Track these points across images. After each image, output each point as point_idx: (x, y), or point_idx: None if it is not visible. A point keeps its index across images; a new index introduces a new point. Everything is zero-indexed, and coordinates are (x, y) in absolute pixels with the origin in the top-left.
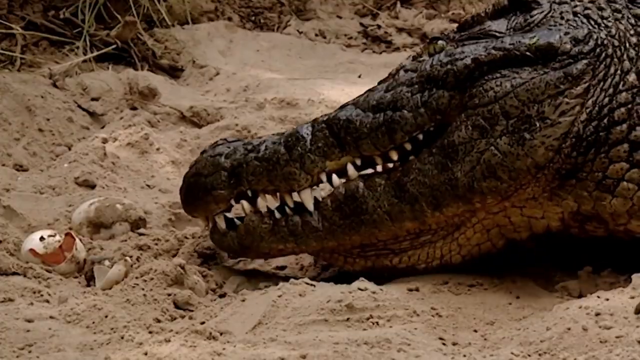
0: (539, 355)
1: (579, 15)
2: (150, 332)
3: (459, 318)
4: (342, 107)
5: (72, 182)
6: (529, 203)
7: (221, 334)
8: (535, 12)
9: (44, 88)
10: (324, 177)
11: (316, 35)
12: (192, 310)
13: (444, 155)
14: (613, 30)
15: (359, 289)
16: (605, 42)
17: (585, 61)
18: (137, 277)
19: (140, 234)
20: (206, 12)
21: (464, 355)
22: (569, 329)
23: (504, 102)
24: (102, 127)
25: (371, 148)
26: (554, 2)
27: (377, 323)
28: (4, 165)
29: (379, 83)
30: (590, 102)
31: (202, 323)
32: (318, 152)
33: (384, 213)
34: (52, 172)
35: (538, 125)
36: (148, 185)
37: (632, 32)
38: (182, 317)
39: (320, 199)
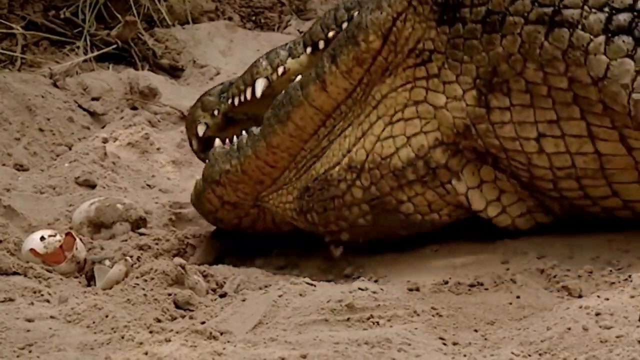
0: (540, 355)
1: None
2: (150, 332)
3: (459, 318)
4: None
5: (72, 182)
6: (428, 71)
7: (221, 333)
8: None
9: (45, 88)
10: (280, 70)
11: None
12: (192, 310)
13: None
14: None
15: (360, 288)
16: None
17: None
18: (137, 277)
19: (141, 234)
20: (206, 11)
21: (465, 355)
22: (569, 328)
23: None
24: (103, 127)
25: (319, 30)
26: None
27: (377, 323)
28: (4, 165)
29: None
30: None
31: (203, 323)
32: (284, 47)
33: (298, 84)
34: (52, 172)
35: None
36: (148, 185)
37: None
38: (183, 317)
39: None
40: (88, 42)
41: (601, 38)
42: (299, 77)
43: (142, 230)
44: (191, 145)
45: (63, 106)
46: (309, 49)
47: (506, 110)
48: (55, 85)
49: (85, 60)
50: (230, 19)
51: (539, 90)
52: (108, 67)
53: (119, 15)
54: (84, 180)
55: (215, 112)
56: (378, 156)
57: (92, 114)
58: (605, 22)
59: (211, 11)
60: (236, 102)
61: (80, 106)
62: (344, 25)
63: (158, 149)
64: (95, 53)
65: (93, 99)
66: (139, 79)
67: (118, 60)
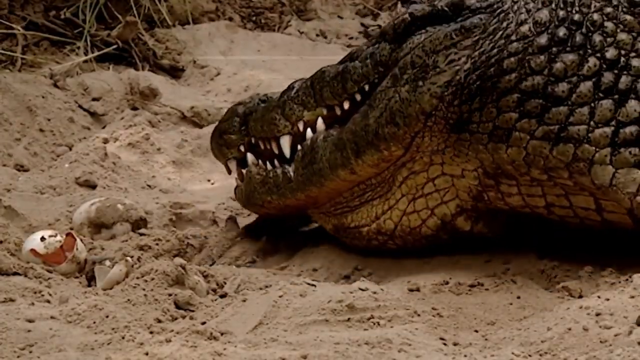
0: (540, 355)
1: None
2: (151, 333)
3: (459, 318)
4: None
5: (73, 182)
6: (442, 158)
7: (222, 334)
8: None
9: (45, 88)
10: (301, 125)
11: (317, 35)
12: (193, 311)
13: (369, 104)
14: None
15: (360, 289)
16: None
17: (480, 15)
18: (138, 277)
19: (141, 234)
20: (207, 12)
21: (465, 356)
22: (569, 329)
23: (413, 53)
24: (103, 127)
25: (330, 97)
26: None
27: (378, 323)
28: (4, 165)
29: None
30: (477, 53)
31: (203, 323)
32: (297, 100)
33: (326, 161)
34: (53, 172)
35: (430, 73)
36: (149, 186)
37: None
38: (183, 317)
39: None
40: (88, 43)
41: (607, 150)
42: (323, 142)
43: (143, 230)
44: (228, 171)
45: (63, 106)
46: (324, 110)
47: (514, 186)
48: (55, 85)
49: (85, 61)
50: (230, 19)
51: (544, 182)
52: (108, 68)
53: (119, 16)
54: (84, 180)
55: (241, 148)
56: (407, 227)
57: (93, 114)
58: (612, 135)
59: (212, 11)
60: (261, 146)
61: (80, 106)
62: (357, 96)
63: (158, 149)
64: (96, 53)
65: (93, 99)
66: (139, 80)
67: (118, 60)
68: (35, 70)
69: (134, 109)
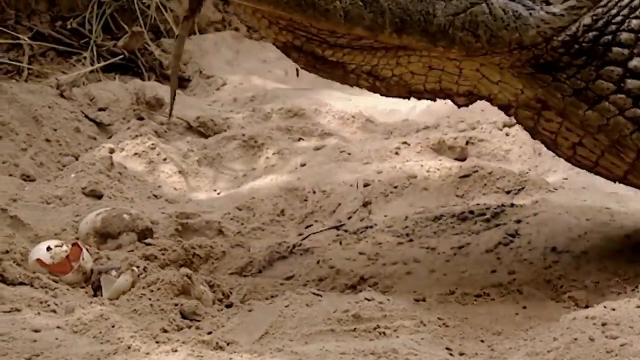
0: None
1: None
2: (157, 342)
3: (465, 328)
4: None
5: (79, 192)
6: (491, 67)
7: (228, 344)
8: None
9: (51, 98)
10: None
11: None
12: (199, 320)
13: None
14: None
15: (366, 299)
16: None
17: None
18: (144, 287)
19: (147, 244)
20: (213, 22)
21: None
22: (575, 339)
23: None
24: (109, 137)
25: None
26: None
27: (384, 333)
28: (11, 175)
29: None
30: (600, 10)
31: (209, 333)
32: None
33: (342, 9)
34: (59, 182)
35: (540, 7)
36: (155, 196)
37: None
38: (189, 327)
39: None
40: (95, 53)
41: None
42: None
43: (149, 240)
44: None
45: (70, 116)
46: None
47: (558, 120)
48: (62, 95)
49: (92, 71)
50: (236, 29)
51: (597, 137)
52: (115, 78)
53: (125, 26)
54: (90, 190)
55: None
56: (404, 82)
57: (99, 124)
58: None
59: (218, 22)
60: None
61: (86, 116)
62: None
63: (164, 159)
64: (102, 63)
65: (100, 109)
66: (145, 90)
67: (125, 70)
68: (42, 80)
69: (140, 118)
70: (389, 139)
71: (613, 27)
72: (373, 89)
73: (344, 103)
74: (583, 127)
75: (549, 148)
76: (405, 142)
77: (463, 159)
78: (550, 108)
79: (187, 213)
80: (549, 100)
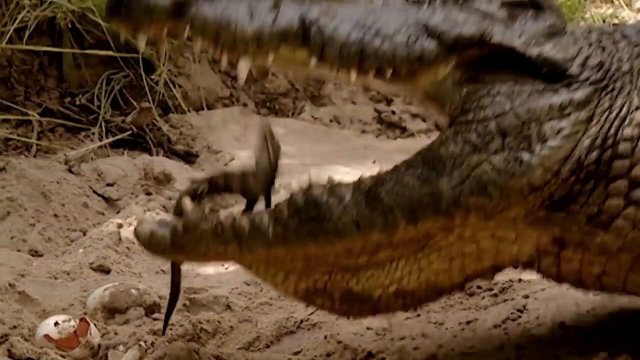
0: None
1: (593, 44)
2: None
3: None
4: (315, 2)
5: (86, 267)
6: (506, 225)
7: None
8: (550, 21)
9: (60, 174)
10: (270, 58)
11: (331, 120)
12: None
13: (429, 167)
14: (626, 67)
15: None
16: (616, 75)
17: (591, 88)
18: None
19: (155, 319)
20: (221, 98)
21: None
22: None
23: (502, 121)
24: (117, 213)
25: (336, 58)
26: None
27: None
28: (19, 250)
29: None
30: (593, 130)
31: None
32: (280, 32)
33: (351, 222)
34: (67, 258)
35: (538, 147)
36: (163, 270)
37: None
38: None
39: (278, 202)
40: (103, 129)
41: None
42: (336, 200)
43: (156, 315)
44: None
45: (78, 192)
46: (314, 61)
47: (579, 253)
48: (70, 171)
49: (100, 147)
50: (245, 105)
51: (620, 258)
52: (123, 153)
53: (134, 102)
54: (98, 265)
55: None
56: (432, 285)
57: (107, 199)
58: None
59: (226, 97)
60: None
61: (95, 192)
62: None
63: None
64: (110, 139)
65: (108, 184)
66: (153, 165)
67: (133, 146)
68: (50, 156)
69: (148, 194)
70: None
71: (609, 140)
72: (406, 308)
73: (352, 178)
74: (603, 253)
75: (577, 287)
76: None
77: None
78: (568, 246)
79: (194, 288)
80: (566, 236)
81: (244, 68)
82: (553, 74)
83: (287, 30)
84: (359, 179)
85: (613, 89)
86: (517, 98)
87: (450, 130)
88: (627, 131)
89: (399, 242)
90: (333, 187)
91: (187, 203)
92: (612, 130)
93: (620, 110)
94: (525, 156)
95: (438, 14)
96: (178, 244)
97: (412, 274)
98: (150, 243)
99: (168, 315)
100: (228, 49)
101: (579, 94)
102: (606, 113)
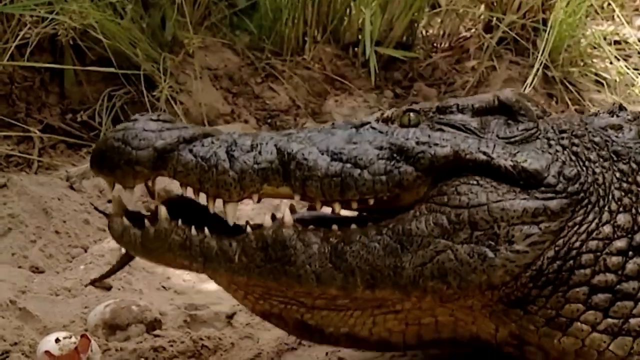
0: None
1: (567, 149)
2: None
3: None
4: (292, 135)
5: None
6: (464, 310)
7: None
8: (521, 125)
9: (61, 190)
10: (255, 198)
11: None
12: None
13: (396, 240)
14: (600, 179)
15: None
16: (591, 189)
17: (567, 200)
18: None
19: (156, 336)
20: (222, 114)
21: None
22: None
23: (475, 212)
24: None
25: (318, 193)
26: (542, 120)
27: None
28: (20, 267)
29: (334, 127)
30: (561, 241)
31: None
32: (261, 172)
33: (312, 273)
34: (68, 274)
35: (504, 247)
36: (164, 287)
37: (617, 185)
38: None
39: (246, 230)
40: None
41: None
42: (303, 246)
43: (157, 331)
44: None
45: (79, 208)
46: (297, 197)
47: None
48: (71, 187)
49: None
50: (246, 121)
51: None
52: None
53: None
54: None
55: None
56: (384, 338)
57: (108, 216)
58: None
59: (227, 114)
60: (190, 195)
61: (96, 208)
62: (353, 204)
63: None
64: None
65: (109, 201)
66: (155, 181)
67: None
68: (52, 172)
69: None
70: None
71: (573, 252)
72: (357, 348)
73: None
74: (563, 357)
75: None
76: None
77: None
78: (528, 343)
79: (195, 304)
80: (524, 335)
81: (231, 212)
82: (530, 183)
83: (267, 169)
84: (331, 229)
85: (588, 203)
86: (493, 193)
87: (423, 206)
88: (592, 244)
89: (356, 298)
90: (303, 233)
91: (163, 211)
92: (578, 243)
93: (590, 224)
94: (489, 254)
95: (411, 136)
96: (148, 248)
97: (365, 325)
98: (121, 238)
99: (107, 275)
100: (212, 193)
101: (554, 204)
102: (576, 227)
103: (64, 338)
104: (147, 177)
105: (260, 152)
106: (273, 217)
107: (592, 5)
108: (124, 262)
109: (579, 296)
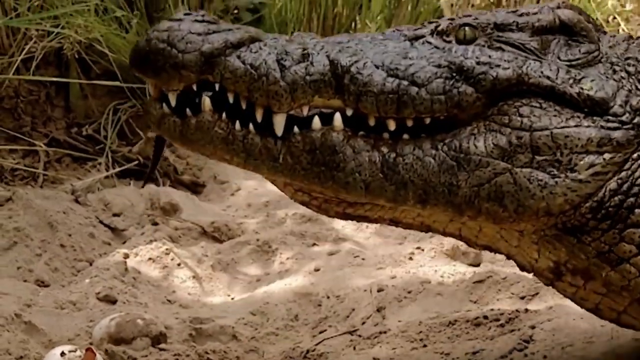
0: None
1: (632, 77)
2: None
3: None
4: (342, 44)
5: (93, 297)
6: (511, 233)
7: None
8: (583, 47)
9: (66, 204)
10: (305, 110)
11: None
12: None
13: (453, 157)
14: None
15: None
16: None
17: (633, 132)
18: None
19: (161, 349)
20: None
21: None
22: None
23: (537, 136)
24: (124, 243)
25: (372, 109)
26: (605, 43)
27: None
28: (25, 281)
29: (385, 37)
30: (624, 174)
31: None
32: (313, 84)
33: (362, 181)
34: (73, 288)
35: (565, 175)
36: (169, 300)
37: None
38: None
39: (295, 132)
40: (110, 159)
41: None
42: (354, 153)
43: (162, 345)
44: (156, 93)
45: (84, 222)
46: (349, 111)
47: (589, 281)
48: (76, 201)
49: (106, 177)
50: None
51: (621, 293)
52: (129, 183)
53: (140, 132)
54: (104, 295)
55: (194, 87)
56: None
57: (113, 229)
58: None
59: None
60: (231, 100)
61: (101, 222)
62: (408, 122)
63: (179, 264)
64: (117, 169)
65: (114, 214)
66: (160, 195)
67: (139, 176)
68: (57, 186)
69: (155, 224)
70: (402, 244)
71: (636, 188)
72: (392, 225)
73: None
74: (606, 286)
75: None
76: (419, 248)
77: (477, 265)
78: (565, 274)
79: (201, 318)
80: (572, 259)
81: (280, 122)
82: (595, 110)
83: (319, 81)
84: (382, 137)
85: None
86: (556, 118)
87: (482, 124)
88: None
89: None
90: (354, 139)
91: (207, 102)
92: None
93: None
94: (550, 181)
95: (470, 55)
96: (188, 138)
97: (410, 215)
98: (159, 125)
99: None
100: (261, 103)
101: (620, 135)
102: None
103: (69, 351)
104: (193, 81)
105: (312, 63)
106: (321, 120)
107: (597, 19)
108: (158, 150)
109: (635, 238)
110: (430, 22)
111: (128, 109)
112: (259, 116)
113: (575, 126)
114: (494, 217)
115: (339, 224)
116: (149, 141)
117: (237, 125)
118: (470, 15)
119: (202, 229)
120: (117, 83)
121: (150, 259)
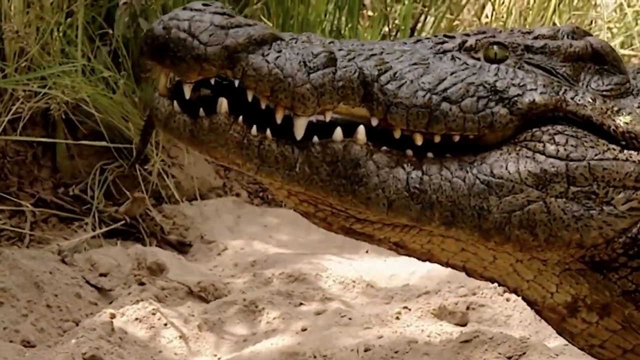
0: None
1: None
2: None
3: None
4: (369, 51)
5: (79, 358)
6: (531, 264)
7: None
8: (615, 79)
9: (53, 264)
10: (328, 115)
11: None
12: None
13: (483, 180)
14: None
15: None
16: None
17: None
18: None
19: None
20: (214, 188)
21: None
22: None
23: (574, 166)
24: (110, 303)
25: (401, 122)
26: (635, 71)
27: None
28: (11, 341)
29: (410, 45)
30: None
31: None
32: (341, 91)
33: (385, 198)
34: (59, 348)
35: (601, 208)
36: None
37: None
38: None
39: (315, 141)
40: (96, 219)
41: None
42: (376, 168)
43: None
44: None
45: (71, 282)
46: (374, 121)
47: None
48: (63, 261)
49: (93, 237)
50: (237, 195)
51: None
52: (116, 243)
53: (127, 192)
54: (90, 356)
55: (211, 81)
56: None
57: (100, 289)
58: None
59: (219, 187)
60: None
61: (88, 282)
62: (436, 138)
63: (165, 324)
64: (104, 229)
65: (101, 274)
66: (146, 255)
67: (126, 236)
68: (44, 246)
69: (141, 284)
70: (389, 304)
71: None
72: (394, 251)
73: (345, 268)
74: (624, 323)
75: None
76: (406, 307)
77: (464, 324)
78: (578, 313)
79: None
80: (594, 295)
81: (301, 126)
82: (632, 144)
83: (347, 87)
84: (406, 154)
85: None
86: (593, 149)
87: (513, 148)
88: None
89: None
90: (377, 153)
91: (224, 104)
92: None
93: None
94: (586, 214)
95: (503, 75)
96: (199, 139)
97: (419, 241)
98: (166, 123)
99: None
100: (285, 104)
101: None
102: None
103: None
104: (212, 74)
105: (340, 68)
106: (342, 132)
107: None
108: (146, 134)
109: None
110: (451, 37)
111: (115, 169)
112: (279, 118)
113: (614, 159)
114: (522, 245)
115: (326, 284)
116: (136, 201)
117: (254, 129)
118: (497, 33)
119: (188, 289)
120: (103, 143)
121: (136, 319)
